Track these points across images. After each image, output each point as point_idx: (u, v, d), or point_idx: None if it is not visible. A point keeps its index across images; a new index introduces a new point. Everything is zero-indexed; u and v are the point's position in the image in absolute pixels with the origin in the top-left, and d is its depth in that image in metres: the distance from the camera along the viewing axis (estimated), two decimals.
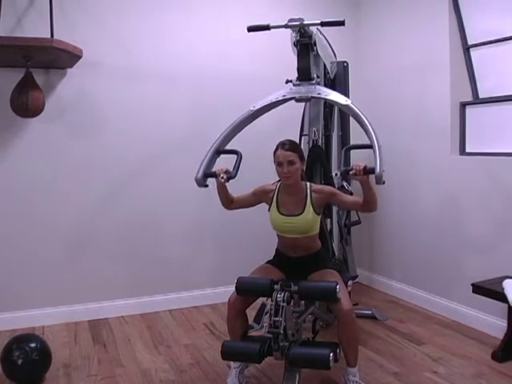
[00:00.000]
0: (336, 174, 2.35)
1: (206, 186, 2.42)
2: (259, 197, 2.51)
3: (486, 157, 3.05)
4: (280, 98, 2.62)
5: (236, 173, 2.36)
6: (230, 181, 2.38)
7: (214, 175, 2.37)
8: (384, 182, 2.09)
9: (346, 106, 2.46)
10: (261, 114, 2.69)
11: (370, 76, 3.89)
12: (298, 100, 2.63)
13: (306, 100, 2.66)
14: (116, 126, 3.33)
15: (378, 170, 2.09)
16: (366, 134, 2.28)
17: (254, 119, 2.69)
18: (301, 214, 2.35)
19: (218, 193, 2.45)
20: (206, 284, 3.65)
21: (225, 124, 2.60)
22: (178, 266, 3.55)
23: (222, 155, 2.54)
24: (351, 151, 2.63)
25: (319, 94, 2.58)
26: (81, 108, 3.24)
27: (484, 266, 2.92)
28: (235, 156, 2.44)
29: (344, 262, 3.13)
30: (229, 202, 2.50)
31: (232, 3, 3.61)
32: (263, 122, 3.55)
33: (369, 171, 2.11)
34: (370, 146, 2.21)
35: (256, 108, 2.64)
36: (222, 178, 2.32)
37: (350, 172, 2.13)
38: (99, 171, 3.31)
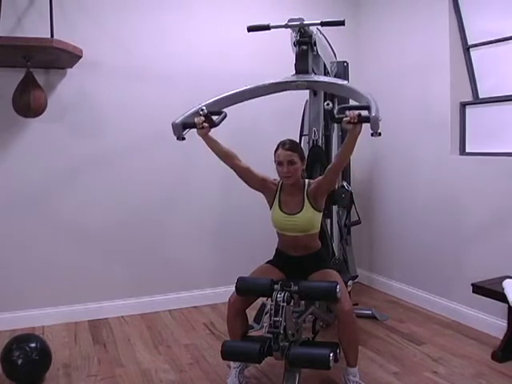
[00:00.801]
0: (328, 104, 2.19)
1: (183, 138, 2.28)
2: (265, 184, 2.46)
3: (486, 157, 3.05)
4: (275, 82, 2.58)
5: (219, 123, 2.24)
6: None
7: (194, 126, 2.24)
8: (380, 134, 1.98)
9: (343, 85, 2.45)
10: (254, 97, 2.64)
11: (370, 76, 3.89)
12: (294, 86, 2.58)
13: (302, 86, 2.61)
14: (116, 126, 3.33)
15: (373, 113, 1.98)
16: (365, 98, 2.18)
17: (246, 99, 2.62)
18: (300, 211, 2.35)
19: (210, 148, 2.34)
20: (206, 284, 3.65)
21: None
22: (177, 266, 3.55)
23: None
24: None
25: (315, 78, 2.58)
26: (81, 108, 3.24)
27: (484, 266, 2.92)
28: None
29: (344, 262, 3.13)
30: (226, 156, 2.37)
31: (232, 3, 3.61)
32: (263, 122, 3.59)
33: (363, 119, 2.00)
34: (367, 107, 2.09)
35: (249, 86, 2.59)
36: (202, 126, 2.20)
37: (344, 119, 2.02)
38: (99, 171, 3.31)
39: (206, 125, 2.25)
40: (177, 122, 2.27)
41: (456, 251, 3.19)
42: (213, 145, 2.35)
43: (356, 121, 2.01)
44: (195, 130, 2.31)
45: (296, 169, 2.35)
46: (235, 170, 2.42)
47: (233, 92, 2.57)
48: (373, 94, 2.19)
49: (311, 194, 2.37)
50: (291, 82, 2.58)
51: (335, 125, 3.18)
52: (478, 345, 2.82)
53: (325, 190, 2.40)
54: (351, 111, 2.02)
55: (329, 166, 2.36)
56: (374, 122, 1.97)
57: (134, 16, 3.33)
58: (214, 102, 2.49)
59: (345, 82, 2.47)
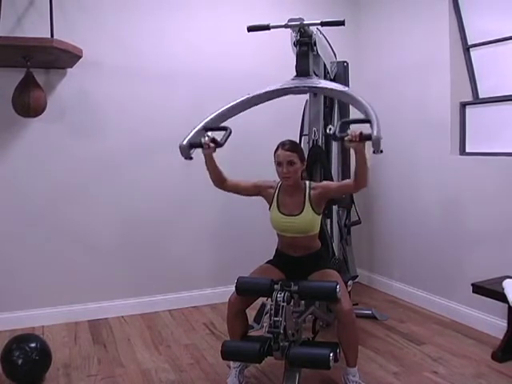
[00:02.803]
0: (330, 129, 2.27)
1: (191, 158, 2.31)
2: (260, 190, 2.47)
3: (485, 157, 3.05)
4: (276, 88, 2.58)
5: (224, 142, 2.26)
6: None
7: (200, 145, 2.27)
8: (382, 151, 2.01)
9: (343, 91, 2.45)
10: (256, 104, 2.64)
11: (370, 76, 3.89)
12: (295, 91, 2.58)
13: (303, 91, 2.62)
14: (116, 126, 3.33)
15: (375, 133, 2.00)
16: (365, 110, 2.20)
17: (250, 107, 2.62)
18: (300, 213, 2.35)
19: (207, 167, 2.36)
20: (206, 284, 3.65)
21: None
22: (177, 266, 3.55)
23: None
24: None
25: (316, 84, 2.56)
26: (81, 108, 3.24)
27: (484, 266, 2.92)
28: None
29: (344, 262, 3.13)
30: (220, 180, 2.41)
31: (232, 3, 3.61)
32: (263, 122, 3.59)
33: (365, 137, 2.01)
34: (368, 121, 2.12)
35: (251, 95, 2.59)
36: (208, 145, 2.23)
37: (346, 138, 2.04)
38: (99, 171, 3.31)
39: (212, 145, 2.26)
40: (184, 143, 2.28)
41: (456, 251, 3.19)
42: (212, 166, 2.36)
43: (358, 139, 2.02)
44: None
45: (296, 169, 2.34)
46: (226, 190, 2.47)
47: (234, 103, 2.56)
48: (372, 105, 2.21)
49: (314, 198, 2.36)
50: (292, 87, 2.58)
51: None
52: (477, 345, 2.82)
53: (330, 197, 2.44)
54: (353, 131, 2.03)
55: (346, 182, 2.36)
56: (376, 142, 2.00)
57: (134, 16, 3.33)
58: (215, 117, 2.49)
59: (346, 89, 2.45)
